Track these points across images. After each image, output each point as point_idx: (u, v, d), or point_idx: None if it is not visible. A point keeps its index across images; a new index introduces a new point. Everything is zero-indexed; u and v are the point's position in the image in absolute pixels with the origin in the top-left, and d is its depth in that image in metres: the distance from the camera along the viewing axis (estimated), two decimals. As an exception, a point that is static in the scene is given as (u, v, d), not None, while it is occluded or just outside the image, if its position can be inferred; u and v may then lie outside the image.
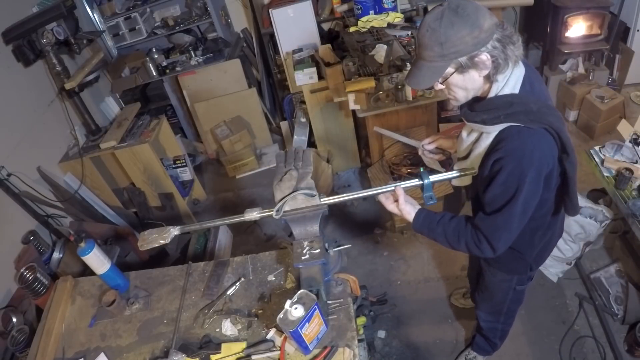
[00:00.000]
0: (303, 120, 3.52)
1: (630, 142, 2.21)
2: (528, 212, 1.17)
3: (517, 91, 1.12)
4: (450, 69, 1.08)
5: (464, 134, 1.30)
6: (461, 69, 1.07)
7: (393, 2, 3.19)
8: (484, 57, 1.05)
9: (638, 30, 3.39)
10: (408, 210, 1.34)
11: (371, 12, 3.18)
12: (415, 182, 1.31)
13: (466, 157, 1.31)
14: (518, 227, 1.19)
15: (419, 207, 1.36)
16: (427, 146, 1.58)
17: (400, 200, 1.34)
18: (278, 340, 1.38)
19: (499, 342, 2.04)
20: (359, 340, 1.50)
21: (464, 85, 1.12)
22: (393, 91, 2.61)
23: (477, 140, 1.22)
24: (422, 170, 1.32)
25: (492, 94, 1.14)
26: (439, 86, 1.15)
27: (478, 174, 1.26)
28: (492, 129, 1.13)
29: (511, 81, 1.11)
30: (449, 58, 1.05)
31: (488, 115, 1.12)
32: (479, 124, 1.16)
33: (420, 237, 2.91)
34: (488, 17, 1.02)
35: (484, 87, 1.15)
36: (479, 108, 1.15)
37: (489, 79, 1.11)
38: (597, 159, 2.22)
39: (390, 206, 1.37)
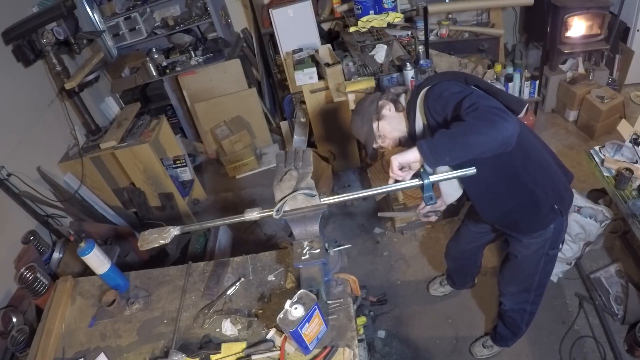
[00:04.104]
0: (303, 120, 3.52)
1: (630, 142, 2.21)
2: (479, 92, 1.39)
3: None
4: (374, 124, 1.55)
5: (418, 129, 1.51)
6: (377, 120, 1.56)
7: (393, 2, 3.19)
8: (385, 111, 1.56)
9: (638, 30, 3.40)
10: (409, 151, 1.26)
11: (371, 12, 3.18)
12: (415, 182, 1.29)
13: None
14: (488, 98, 1.34)
15: (414, 147, 1.26)
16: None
17: (396, 159, 1.28)
18: (278, 340, 1.38)
19: (525, 327, 1.97)
20: (359, 340, 1.50)
21: (391, 126, 1.55)
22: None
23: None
24: (422, 171, 1.29)
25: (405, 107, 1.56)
26: (385, 141, 1.59)
27: (437, 122, 1.41)
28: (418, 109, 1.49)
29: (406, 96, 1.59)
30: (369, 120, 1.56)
31: (412, 99, 1.52)
32: (417, 112, 1.49)
33: (420, 237, 2.91)
34: (374, 104, 1.58)
35: (402, 113, 1.56)
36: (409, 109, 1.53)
37: (400, 108, 1.56)
38: (597, 159, 2.22)
39: (398, 174, 1.30)
